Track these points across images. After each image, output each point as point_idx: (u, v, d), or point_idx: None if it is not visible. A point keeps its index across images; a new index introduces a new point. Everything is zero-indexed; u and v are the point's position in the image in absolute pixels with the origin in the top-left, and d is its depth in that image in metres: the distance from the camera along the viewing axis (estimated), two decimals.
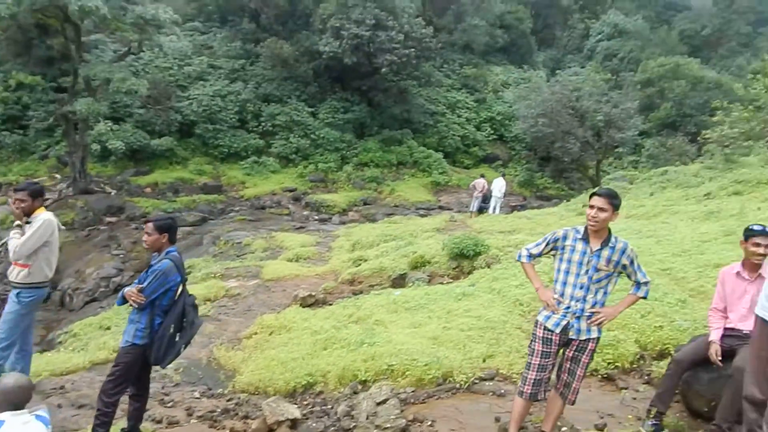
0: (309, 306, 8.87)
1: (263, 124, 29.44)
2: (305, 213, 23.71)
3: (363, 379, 5.53)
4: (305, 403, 5.59)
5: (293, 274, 11.40)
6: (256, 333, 7.84)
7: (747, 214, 11.43)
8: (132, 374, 4.32)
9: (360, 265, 11.17)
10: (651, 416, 4.16)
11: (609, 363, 5.40)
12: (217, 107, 28.48)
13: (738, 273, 4.18)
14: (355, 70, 30.43)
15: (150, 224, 4.37)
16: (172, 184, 25.08)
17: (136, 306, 4.18)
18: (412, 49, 29.60)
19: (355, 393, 5.34)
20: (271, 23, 32.93)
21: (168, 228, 4.37)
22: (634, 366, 5.46)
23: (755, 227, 4.06)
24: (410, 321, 7.03)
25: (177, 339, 4.30)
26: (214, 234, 18.23)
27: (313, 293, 9.32)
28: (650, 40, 44.03)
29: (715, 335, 4.17)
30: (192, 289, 10.10)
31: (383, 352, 5.79)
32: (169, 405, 5.77)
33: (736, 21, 51.43)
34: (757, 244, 3.98)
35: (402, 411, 4.71)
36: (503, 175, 23.26)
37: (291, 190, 26.37)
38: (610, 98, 28.85)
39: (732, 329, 4.13)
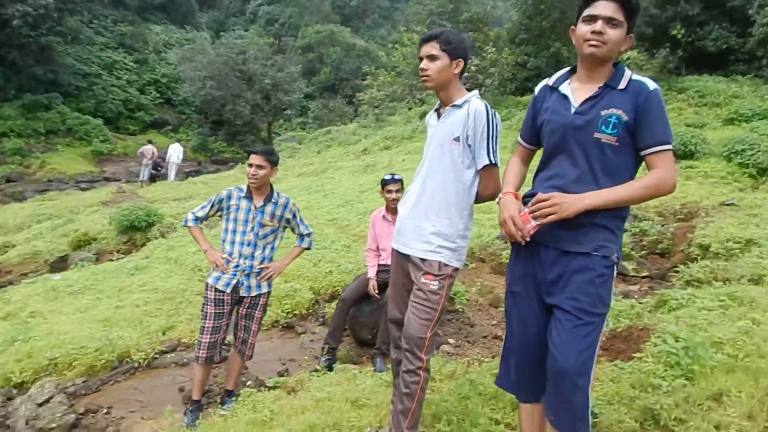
0: None
1: None
2: None
3: (19, 381, 4.73)
4: None
5: None
6: None
7: (394, 165, 13.26)
8: None
9: (6, 252, 9.46)
10: (325, 353, 4.53)
11: (288, 312, 5.69)
12: None
13: (384, 216, 4.79)
14: None
15: None
16: None
17: None
18: (51, 0, 25.61)
19: (10, 399, 4.54)
20: None
21: None
22: (310, 311, 5.88)
23: (386, 177, 4.68)
24: (75, 306, 6.25)
25: None
26: None
27: None
28: (307, 8, 46.85)
29: (371, 272, 4.73)
30: None
31: (43, 347, 5.03)
32: None
33: None
34: (390, 191, 4.61)
35: (71, 406, 4.21)
36: (178, 141, 22.27)
37: None
38: (275, 62, 29.93)
39: (384, 265, 4.72)
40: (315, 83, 37.01)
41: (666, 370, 2.93)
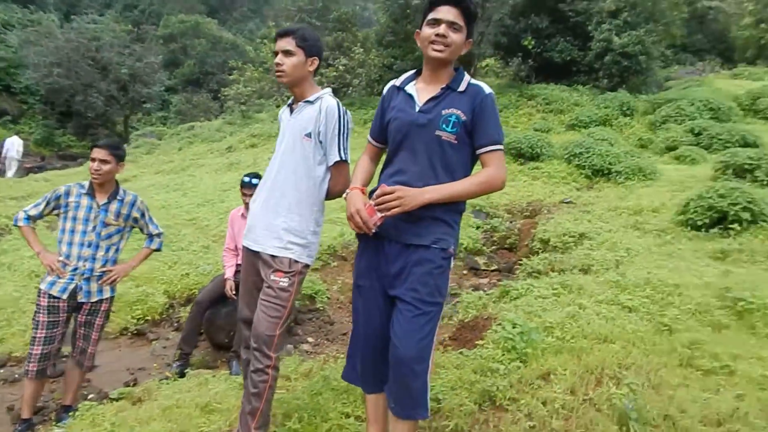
0: None
1: None
2: None
3: None
4: None
5: None
6: None
7: (260, 164, 12.98)
8: None
9: None
10: (177, 359, 4.34)
11: (139, 318, 5.37)
12: None
13: (243, 215, 4.67)
14: None
15: None
16: None
17: None
18: None
19: None
20: None
21: None
22: (164, 316, 5.59)
23: (245, 178, 4.58)
24: None
25: None
26: None
27: None
28: None
29: (229, 272, 4.59)
30: None
31: None
32: None
33: None
34: (245, 194, 4.51)
35: None
36: (17, 133, 20.13)
37: None
38: (134, 51, 28.08)
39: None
40: (178, 76, 35.20)
41: (503, 355, 3.16)
